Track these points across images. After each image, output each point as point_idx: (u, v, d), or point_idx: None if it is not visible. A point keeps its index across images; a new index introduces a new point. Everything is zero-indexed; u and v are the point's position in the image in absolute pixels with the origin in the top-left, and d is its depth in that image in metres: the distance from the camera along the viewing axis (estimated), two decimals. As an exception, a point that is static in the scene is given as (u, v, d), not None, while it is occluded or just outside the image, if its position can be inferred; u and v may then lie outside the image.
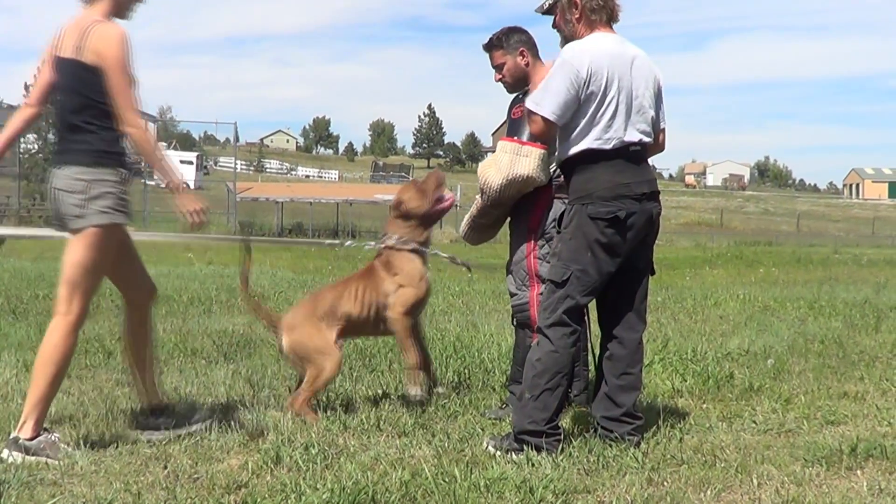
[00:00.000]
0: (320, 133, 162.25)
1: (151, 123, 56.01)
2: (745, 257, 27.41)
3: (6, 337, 7.89)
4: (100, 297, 11.19)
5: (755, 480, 4.05)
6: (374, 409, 5.33)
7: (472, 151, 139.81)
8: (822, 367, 6.90)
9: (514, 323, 5.52)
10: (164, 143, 75.13)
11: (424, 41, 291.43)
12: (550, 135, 4.72)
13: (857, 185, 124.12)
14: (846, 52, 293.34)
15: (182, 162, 68.11)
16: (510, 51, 5.46)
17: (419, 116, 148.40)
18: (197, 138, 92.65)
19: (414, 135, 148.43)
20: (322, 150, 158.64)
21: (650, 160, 4.92)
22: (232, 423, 4.92)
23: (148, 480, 4.03)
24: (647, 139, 4.72)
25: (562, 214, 4.79)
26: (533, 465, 4.27)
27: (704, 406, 5.66)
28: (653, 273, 4.95)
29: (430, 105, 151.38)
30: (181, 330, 8.69)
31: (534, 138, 4.95)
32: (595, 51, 4.59)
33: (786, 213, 72.86)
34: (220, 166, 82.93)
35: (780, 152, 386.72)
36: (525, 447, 4.47)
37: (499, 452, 4.48)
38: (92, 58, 4.44)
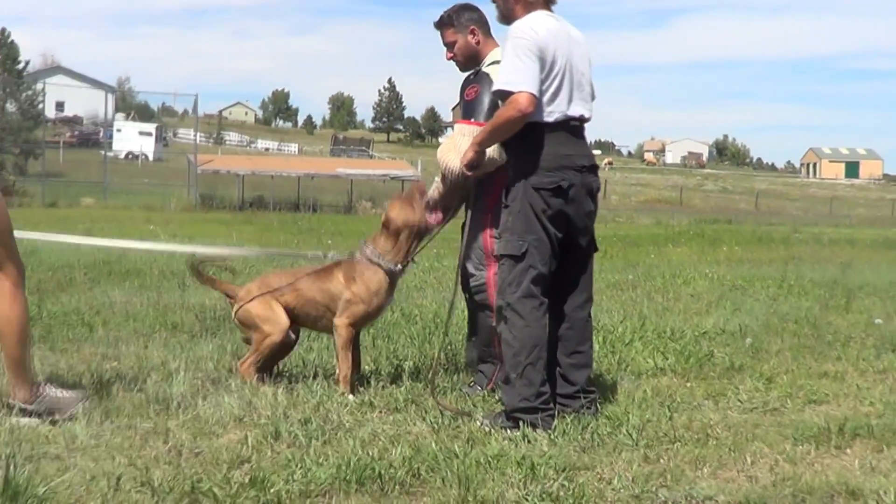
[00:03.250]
0: (279, 106, 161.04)
1: (110, 94, 55.29)
2: (707, 235, 27.67)
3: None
4: (73, 269, 11.15)
5: (748, 458, 4.13)
6: (364, 386, 5.38)
7: (432, 126, 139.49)
8: (799, 346, 7.02)
9: (471, 305, 5.54)
10: (123, 115, 74.40)
11: (385, 15, 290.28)
12: (534, 109, 4.65)
13: (815, 164, 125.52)
14: (805, 33, 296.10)
15: (141, 133, 67.63)
16: (461, 29, 5.46)
17: (379, 90, 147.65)
18: (155, 109, 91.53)
19: (374, 109, 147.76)
20: (281, 123, 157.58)
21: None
22: (225, 398, 4.93)
23: (151, 455, 4.05)
24: (587, 115, 4.81)
25: (506, 188, 4.81)
26: (529, 441, 4.34)
27: (689, 384, 5.75)
28: (595, 250, 5.02)
29: (390, 79, 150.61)
30: (158, 304, 8.65)
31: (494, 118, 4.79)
32: (541, 27, 4.66)
33: (744, 192, 73.55)
34: (178, 138, 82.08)
35: (738, 131, 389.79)
36: (520, 424, 4.53)
37: (493, 430, 4.53)
38: None
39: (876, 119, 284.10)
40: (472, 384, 5.47)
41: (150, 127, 70.84)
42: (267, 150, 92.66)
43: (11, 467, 3.54)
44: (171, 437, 4.31)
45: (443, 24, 5.52)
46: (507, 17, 4.89)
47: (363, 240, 5.53)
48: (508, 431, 4.49)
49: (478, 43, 5.46)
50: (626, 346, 6.80)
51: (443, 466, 3.87)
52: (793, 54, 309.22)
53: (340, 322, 5.33)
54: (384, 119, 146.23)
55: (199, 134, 53.65)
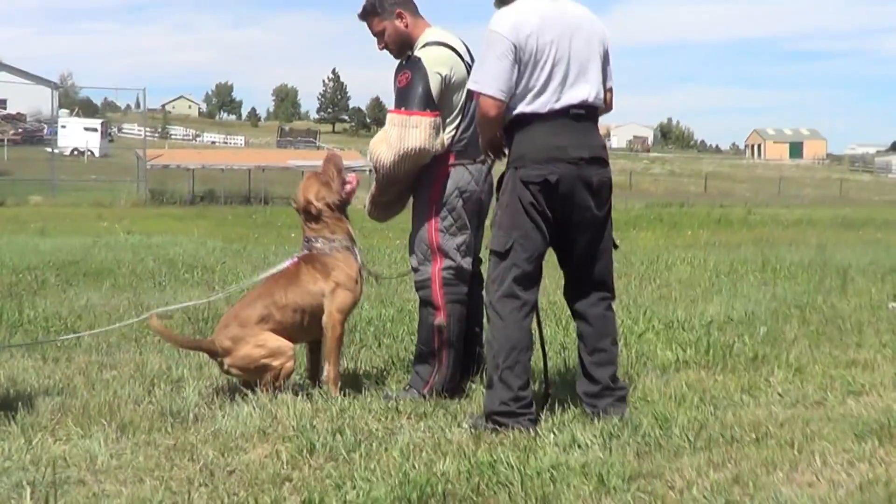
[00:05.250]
0: (223, 99, 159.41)
1: (54, 90, 54.16)
2: (665, 220, 27.60)
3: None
4: (46, 272, 10.71)
5: (817, 458, 3.91)
6: (380, 389, 5.11)
7: (378, 115, 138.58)
8: (814, 334, 6.85)
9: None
10: (67, 111, 73.01)
11: (326, 5, 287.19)
12: (501, 113, 4.40)
13: (759, 145, 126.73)
14: (746, 15, 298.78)
15: (86, 129, 66.43)
16: (386, 15, 5.13)
17: (323, 81, 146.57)
18: (98, 105, 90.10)
19: (318, 99, 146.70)
20: (225, 115, 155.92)
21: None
22: (244, 408, 4.63)
23: (182, 476, 3.73)
24: (591, 99, 4.49)
25: (499, 180, 4.56)
26: (581, 447, 4.09)
27: (717, 377, 5.52)
28: (615, 246, 4.75)
29: (333, 69, 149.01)
30: (139, 305, 8.28)
31: (487, 119, 4.47)
32: (523, 16, 4.38)
33: (692, 175, 73.99)
34: (123, 133, 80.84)
35: (682, 114, 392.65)
36: (500, 427, 4.31)
37: (476, 432, 4.30)
38: None
39: (818, 99, 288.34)
40: (407, 387, 5.13)
41: (95, 122, 69.62)
42: (213, 143, 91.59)
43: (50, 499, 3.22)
44: (196, 454, 4.00)
45: (367, 13, 5.18)
46: (500, 0, 4.59)
47: (304, 237, 5.19)
48: (493, 435, 4.26)
49: (406, 26, 5.12)
50: (639, 339, 6.59)
51: (504, 480, 3.60)
52: (733, 36, 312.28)
53: (332, 316, 5.01)
54: (329, 110, 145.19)
55: (144, 128, 52.77)
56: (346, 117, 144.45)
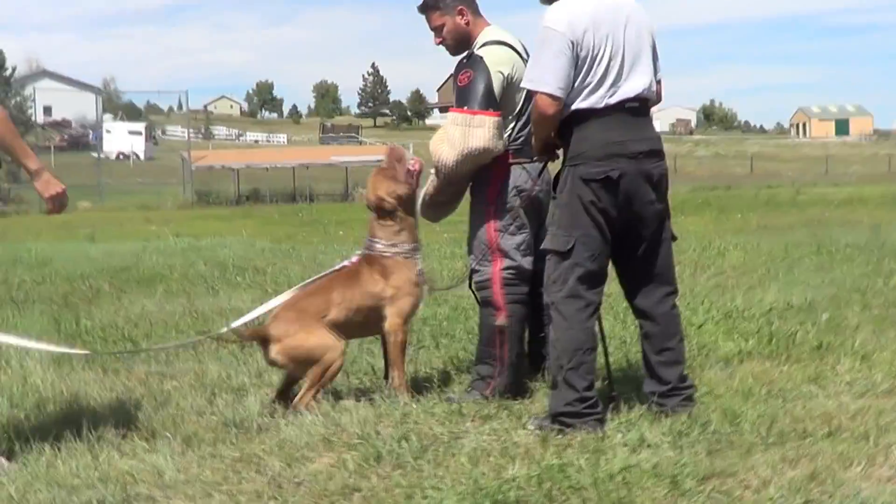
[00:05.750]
0: (264, 97, 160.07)
1: (98, 96, 54.76)
2: (713, 203, 27.33)
3: (18, 328, 7.46)
4: (99, 279, 10.79)
5: (893, 454, 3.82)
6: (442, 392, 5.07)
7: (419, 108, 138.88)
8: (879, 319, 6.72)
9: (478, 300, 5.16)
10: (111, 115, 73.77)
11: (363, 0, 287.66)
12: (559, 111, 4.33)
13: (804, 123, 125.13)
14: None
15: (131, 133, 67.14)
16: (448, 11, 5.05)
17: (363, 76, 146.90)
18: (142, 108, 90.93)
19: (359, 94, 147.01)
20: (267, 114, 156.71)
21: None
22: (307, 416, 4.61)
23: (251, 489, 3.72)
24: (646, 91, 4.42)
25: (556, 178, 4.49)
26: (650, 446, 4.02)
27: (782, 368, 5.43)
28: (674, 238, 4.65)
29: (373, 63, 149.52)
30: (193, 311, 8.31)
31: (542, 117, 4.40)
32: (577, 10, 4.30)
33: (737, 156, 73.24)
34: (167, 135, 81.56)
35: (724, 95, 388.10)
36: (567, 428, 4.25)
37: (541, 433, 4.25)
38: None
39: (862, 75, 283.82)
40: (468, 389, 5.07)
41: (139, 126, 70.35)
42: (256, 141, 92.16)
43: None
44: (263, 466, 3.99)
45: (427, 7, 5.12)
46: None
47: (368, 237, 5.14)
48: (558, 436, 4.20)
49: (467, 24, 5.06)
50: (699, 330, 6.49)
51: (575, 484, 3.55)
52: (773, 14, 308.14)
53: (394, 322, 4.98)
54: (370, 104, 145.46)
55: (187, 130, 53.17)
56: (387, 111, 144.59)
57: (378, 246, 5.06)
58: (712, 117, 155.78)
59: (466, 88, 4.87)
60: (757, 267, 10.24)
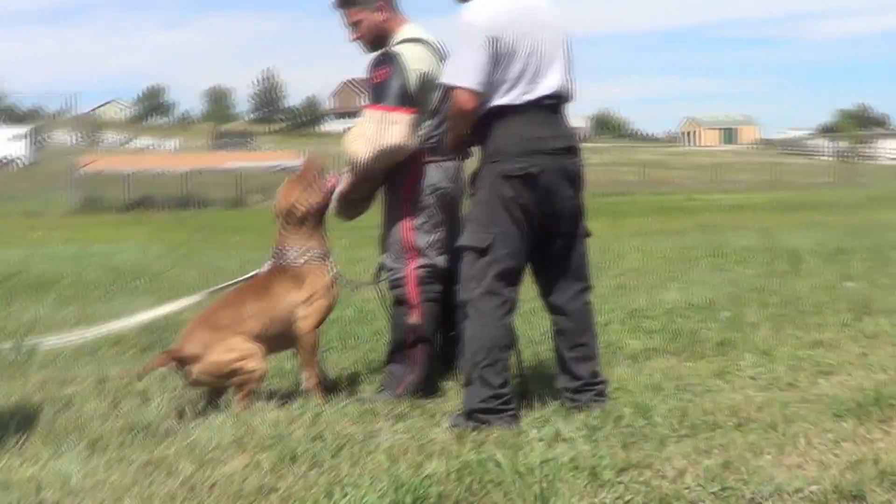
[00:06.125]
0: (154, 102, 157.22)
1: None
2: (608, 209, 27.74)
3: None
4: None
5: (802, 440, 3.91)
6: (349, 391, 5.04)
7: (313, 115, 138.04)
8: (775, 316, 6.90)
9: (380, 293, 5.18)
10: (-8, 118, 71.34)
11: (257, 5, 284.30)
12: (477, 106, 4.33)
13: (694, 132, 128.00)
14: (676, 4, 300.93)
15: (14, 137, 65.02)
16: (366, 6, 5.01)
17: (255, 81, 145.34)
18: (25, 112, 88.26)
19: (252, 100, 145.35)
20: (157, 119, 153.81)
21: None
22: (216, 419, 4.51)
23: (163, 492, 3.60)
24: (562, 90, 4.46)
25: (473, 175, 4.50)
26: (565, 440, 4.04)
27: (688, 364, 5.54)
28: (588, 235, 4.71)
29: (267, 69, 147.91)
30: (89, 317, 8.07)
31: (460, 114, 4.38)
32: (496, 8, 4.32)
33: (630, 163, 74.41)
34: (53, 140, 79.29)
35: (617, 104, 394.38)
36: (482, 425, 4.26)
37: (456, 430, 4.24)
38: None
39: (750, 86, 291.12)
40: (380, 389, 5.06)
41: (22, 130, 68.18)
42: (146, 147, 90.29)
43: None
44: (174, 469, 3.87)
45: (345, 3, 5.06)
46: None
47: (276, 245, 5.04)
48: (475, 433, 4.19)
49: (385, 20, 5.02)
50: (605, 328, 6.55)
51: (496, 478, 3.54)
52: (664, 25, 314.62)
53: (305, 325, 4.89)
54: (263, 110, 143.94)
55: (74, 135, 51.86)
56: (281, 117, 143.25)
57: (288, 255, 4.98)
58: (605, 126, 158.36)
59: (382, 85, 4.83)
60: (655, 269, 10.44)
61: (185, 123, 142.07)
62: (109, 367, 5.88)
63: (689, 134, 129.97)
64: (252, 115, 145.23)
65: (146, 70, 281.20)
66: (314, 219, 5.00)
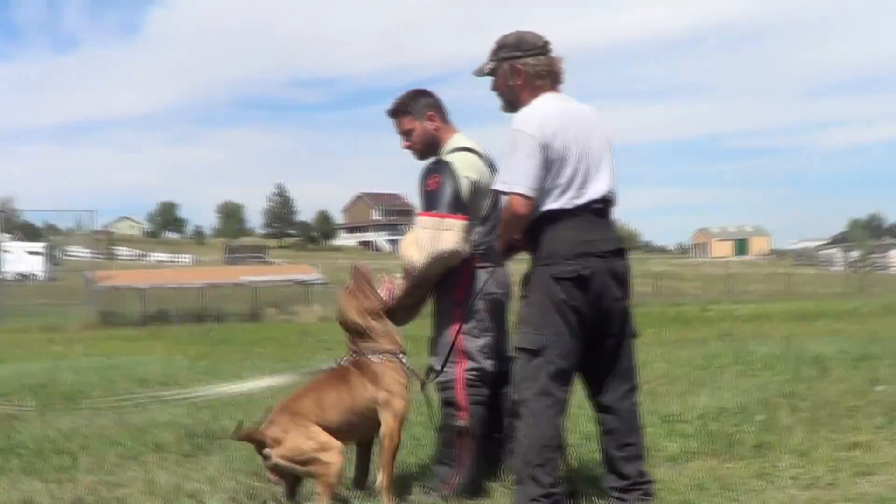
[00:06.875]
0: (167, 217, 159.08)
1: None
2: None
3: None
4: (14, 396, 10.52)
5: (852, 536, 3.98)
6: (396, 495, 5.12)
7: (325, 229, 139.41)
8: (809, 420, 6.96)
9: (427, 396, 5.25)
10: (9, 235, 72.20)
11: (269, 121, 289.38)
12: (531, 211, 4.52)
13: (705, 244, 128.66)
14: (682, 116, 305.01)
15: (30, 253, 65.71)
16: (418, 115, 5.27)
17: (268, 196, 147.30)
18: (41, 228, 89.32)
19: (264, 215, 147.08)
20: (169, 234, 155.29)
21: None
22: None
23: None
24: (609, 194, 4.65)
25: (525, 278, 4.66)
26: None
27: (728, 466, 5.61)
28: (635, 335, 4.85)
29: (279, 184, 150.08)
30: (124, 423, 8.16)
31: (514, 219, 4.56)
32: (545, 114, 4.53)
33: (641, 275, 74.74)
34: (68, 256, 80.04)
35: (628, 215, 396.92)
36: None
37: None
38: None
39: (760, 196, 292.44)
40: (426, 491, 5.13)
41: (39, 246, 68.97)
42: (161, 262, 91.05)
43: None
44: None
45: (398, 111, 5.32)
46: (513, 105, 4.75)
47: (351, 347, 5.19)
48: None
49: (437, 129, 5.27)
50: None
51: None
52: (672, 137, 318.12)
53: (390, 426, 5.00)
54: (275, 224, 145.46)
55: (87, 250, 52.31)
56: (293, 231, 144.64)
57: (365, 352, 5.11)
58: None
59: (435, 193, 5.01)
60: (682, 375, 10.48)
61: (198, 238, 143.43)
62: (154, 472, 5.96)
63: (700, 245, 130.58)
64: (264, 230, 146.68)
65: (158, 186, 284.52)
66: (379, 324, 5.15)
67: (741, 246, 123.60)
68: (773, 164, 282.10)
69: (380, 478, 5.04)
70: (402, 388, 5.10)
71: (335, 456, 4.85)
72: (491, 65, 4.79)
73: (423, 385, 5.18)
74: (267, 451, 4.88)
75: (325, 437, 4.88)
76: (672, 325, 24.08)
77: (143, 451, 6.87)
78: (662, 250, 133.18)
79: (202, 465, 6.05)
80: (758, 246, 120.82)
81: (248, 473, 5.66)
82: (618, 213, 4.76)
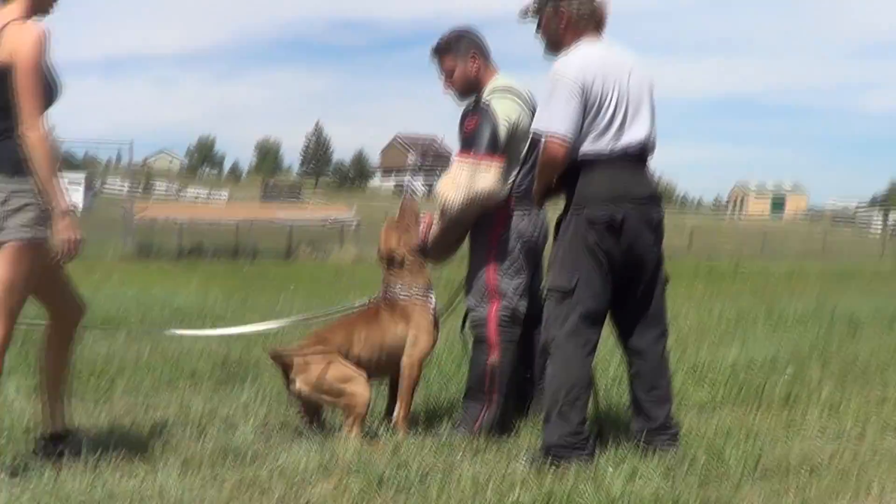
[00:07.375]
0: (205, 153, 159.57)
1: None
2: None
3: None
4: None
5: (876, 487, 4.02)
6: (424, 427, 5.21)
7: (361, 170, 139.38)
8: (839, 375, 6.97)
9: (465, 337, 5.32)
10: (51, 164, 72.61)
11: (309, 62, 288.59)
12: (568, 154, 4.53)
13: (742, 199, 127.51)
14: (724, 72, 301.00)
15: (70, 183, 66.27)
16: (461, 55, 5.25)
17: (306, 136, 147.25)
18: (80, 159, 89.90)
19: (301, 154, 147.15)
20: (207, 170, 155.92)
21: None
22: (302, 444, 4.70)
23: (262, 509, 3.79)
24: (646, 140, 4.64)
25: (558, 222, 4.68)
26: (642, 477, 4.18)
27: (755, 415, 5.64)
28: (667, 281, 4.87)
29: (316, 124, 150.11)
30: (162, 352, 8.30)
31: (549, 161, 4.57)
32: (586, 60, 4.53)
33: (675, 228, 74.48)
34: (106, 187, 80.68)
35: (665, 169, 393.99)
36: (559, 460, 4.39)
37: (533, 466, 4.40)
38: (6, 58, 4.06)
39: (799, 154, 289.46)
40: (456, 425, 5.21)
41: (79, 176, 69.53)
42: (197, 197, 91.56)
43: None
44: (266, 490, 4.06)
45: (441, 50, 5.31)
46: (555, 46, 4.75)
47: (383, 283, 5.33)
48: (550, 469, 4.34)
49: (478, 70, 5.25)
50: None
51: (582, 507, 3.68)
52: (713, 94, 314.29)
53: (412, 360, 5.15)
54: (312, 164, 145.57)
55: (125, 183, 52.71)
56: (329, 172, 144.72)
57: (396, 290, 5.23)
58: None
59: (473, 134, 5.03)
60: (713, 328, 10.49)
61: (235, 175, 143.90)
62: (189, 397, 6.08)
63: (736, 201, 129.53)
64: (300, 170, 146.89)
65: (197, 122, 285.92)
66: (415, 260, 5.25)
67: (778, 203, 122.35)
68: (814, 123, 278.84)
69: (397, 409, 5.15)
70: (429, 326, 5.21)
71: (362, 387, 4.95)
72: (535, 7, 4.78)
73: (462, 325, 5.23)
74: (292, 376, 4.98)
75: (350, 369, 4.99)
76: (705, 279, 23.98)
77: (178, 377, 6.99)
78: (698, 204, 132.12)
79: (235, 393, 6.15)
80: (794, 204, 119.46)
81: (281, 402, 5.75)
82: (654, 165, 4.76)
